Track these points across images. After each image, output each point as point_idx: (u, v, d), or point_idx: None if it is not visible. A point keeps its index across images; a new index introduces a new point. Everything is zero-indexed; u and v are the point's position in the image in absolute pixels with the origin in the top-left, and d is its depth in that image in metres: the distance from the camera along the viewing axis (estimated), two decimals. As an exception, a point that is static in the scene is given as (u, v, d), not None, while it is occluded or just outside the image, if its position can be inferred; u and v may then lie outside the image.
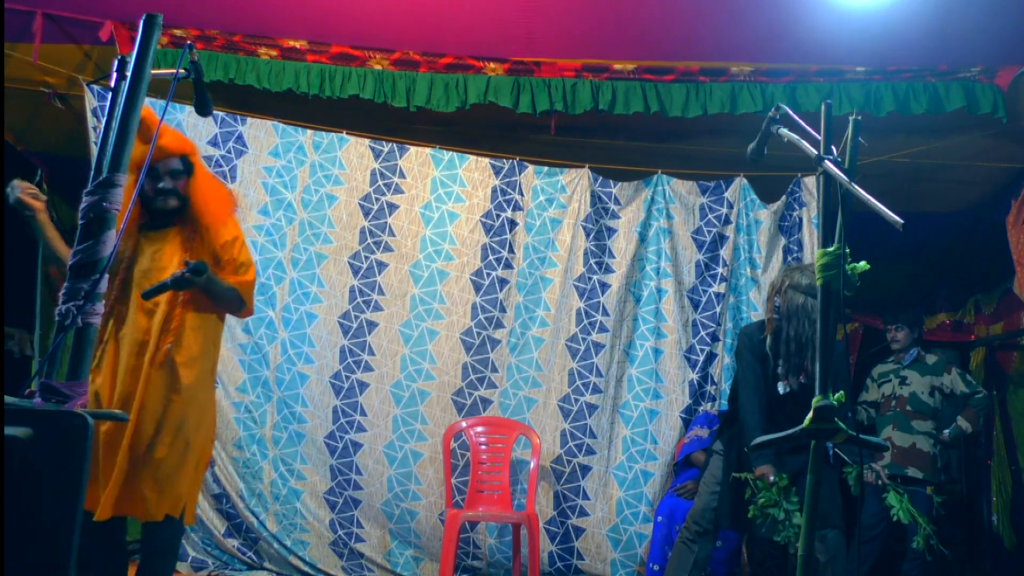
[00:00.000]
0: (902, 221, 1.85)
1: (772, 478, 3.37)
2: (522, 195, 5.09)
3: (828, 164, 2.07)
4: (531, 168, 5.11)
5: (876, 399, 5.27)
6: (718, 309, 5.05)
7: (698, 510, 3.62)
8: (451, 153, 5.05)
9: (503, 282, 5.01)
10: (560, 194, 5.11)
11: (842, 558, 3.40)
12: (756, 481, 3.41)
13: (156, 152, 2.91)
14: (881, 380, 5.27)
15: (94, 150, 3.95)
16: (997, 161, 5.15)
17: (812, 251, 5.01)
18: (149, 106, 2.67)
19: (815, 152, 2.11)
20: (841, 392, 2.02)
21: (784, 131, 2.30)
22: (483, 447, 4.79)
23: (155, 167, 2.95)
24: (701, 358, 5.00)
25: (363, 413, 4.80)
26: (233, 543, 4.63)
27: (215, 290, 2.96)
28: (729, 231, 5.13)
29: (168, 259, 2.97)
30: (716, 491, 3.59)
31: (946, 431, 4.96)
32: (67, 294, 1.88)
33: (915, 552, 4.57)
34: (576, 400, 4.95)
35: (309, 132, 4.95)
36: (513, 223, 5.05)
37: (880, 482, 4.74)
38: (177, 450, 2.89)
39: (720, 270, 5.11)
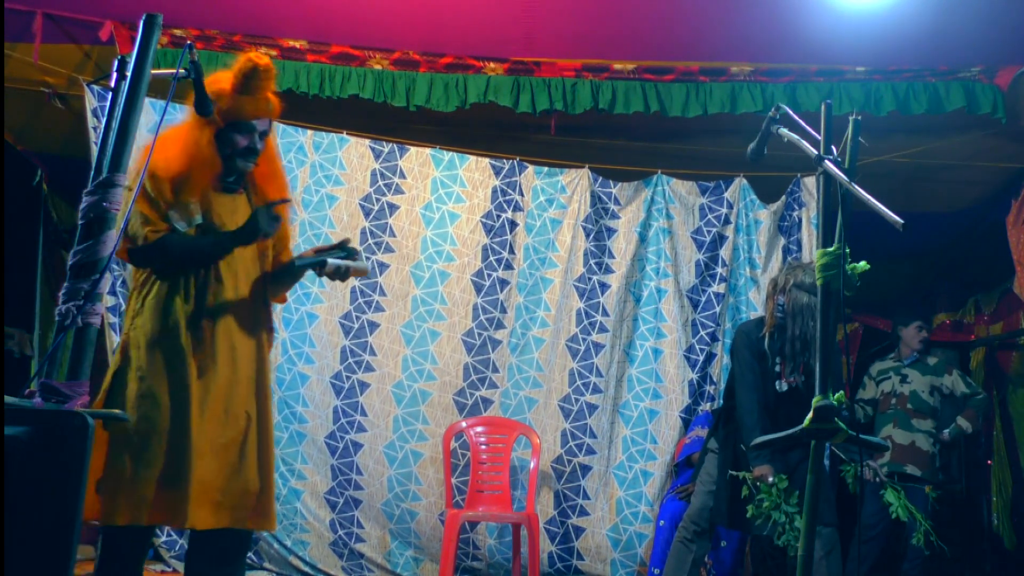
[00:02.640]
0: (902, 221, 1.85)
1: (771, 479, 3.37)
2: (522, 195, 5.09)
3: (828, 164, 2.07)
4: (531, 168, 5.11)
5: (874, 396, 5.27)
6: (717, 309, 5.06)
7: (695, 509, 3.62)
8: (451, 153, 5.05)
9: (504, 283, 5.01)
10: (560, 194, 5.11)
11: (837, 555, 3.40)
12: (755, 482, 3.41)
13: (263, 108, 2.57)
14: (880, 377, 5.26)
15: (94, 150, 3.95)
16: (997, 161, 5.15)
17: (811, 251, 5.02)
18: (267, 59, 2.52)
19: (815, 152, 2.11)
20: (841, 392, 2.02)
21: (784, 131, 2.30)
22: (483, 447, 4.79)
23: (251, 123, 2.58)
24: (700, 358, 5.01)
25: (364, 413, 4.80)
26: (233, 543, 4.62)
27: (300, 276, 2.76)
28: (729, 231, 5.13)
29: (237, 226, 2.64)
30: (712, 490, 3.58)
31: (946, 431, 4.96)
32: (67, 294, 1.88)
33: (915, 549, 4.57)
34: (576, 400, 4.95)
35: (309, 132, 4.95)
36: (513, 224, 5.06)
37: (878, 479, 4.74)
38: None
39: (720, 270, 5.11)
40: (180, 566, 4.48)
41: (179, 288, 2.51)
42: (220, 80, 2.54)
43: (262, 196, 2.67)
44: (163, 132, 2.55)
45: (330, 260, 2.61)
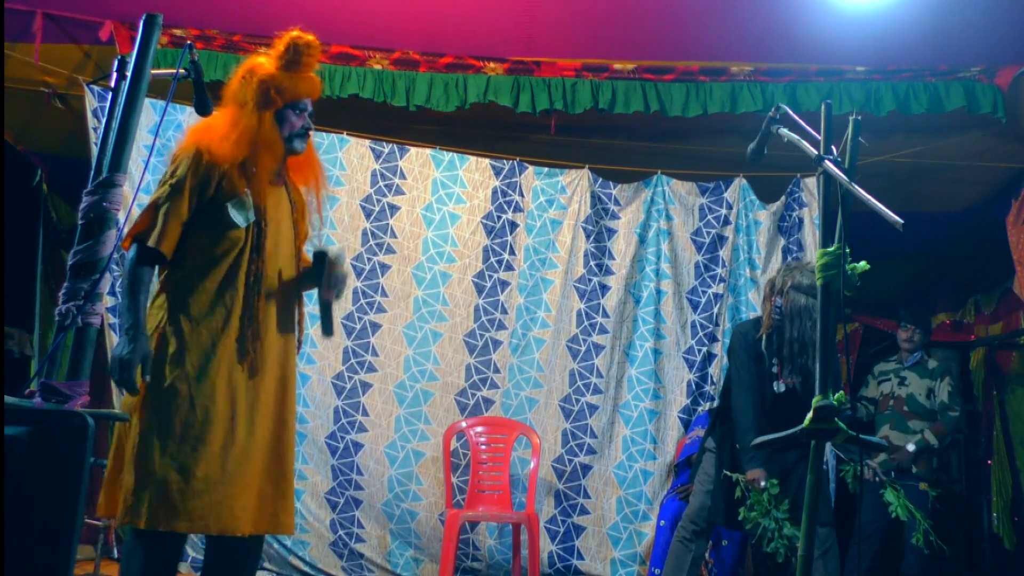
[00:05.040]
0: (902, 221, 1.85)
1: (763, 483, 3.37)
2: (522, 196, 5.09)
3: (828, 164, 2.07)
4: (531, 169, 5.11)
5: (875, 396, 5.27)
6: (716, 310, 5.06)
7: (694, 509, 3.62)
8: (451, 154, 5.05)
9: (504, 284, 5.01)
10: (560, 195, 5.12)
11: (834, 555, 3.40)
12: (746, 485, 3.41)
13: (315, 86, 2.49)
14: (881, 378, 5.27)
15: (94, 151, 3.94)
16: (997, 161, 5.14)
17: (814, 251, 5.01)
18: (310, 38, 2.42)
19: (815, 152, 2.11)
20: (841, 392, 2.02)
21: (784, 131, 2.30)
22: (483, 447, 4.79)
23: (304, 102, 2.47)
24: (699, 358, 5.01)
25: (365, 413, 4.80)
26: (233, 543, 4.62)
27: None
28: (728, 232, 5.13)
29: (282, 222, 2.50)
30: (710, 489, 3.58)
31: (911, 444, 4.88)
32: (67, 294, 1.89)
33: (914, 548, 4.57)
34: (577, 400, 4.95)
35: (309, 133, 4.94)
36: (514, 224, 5.06)
37: (877, 478, 4.73)
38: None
39: (719, 271, 5.11)
40: (180, 566, 4.48)
41: (231, 283, 2.35)
42: (262, 65, 2.45)
43: (298, 185, 2.56)
44: (198, 122, 2.45)
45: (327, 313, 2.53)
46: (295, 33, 2.45)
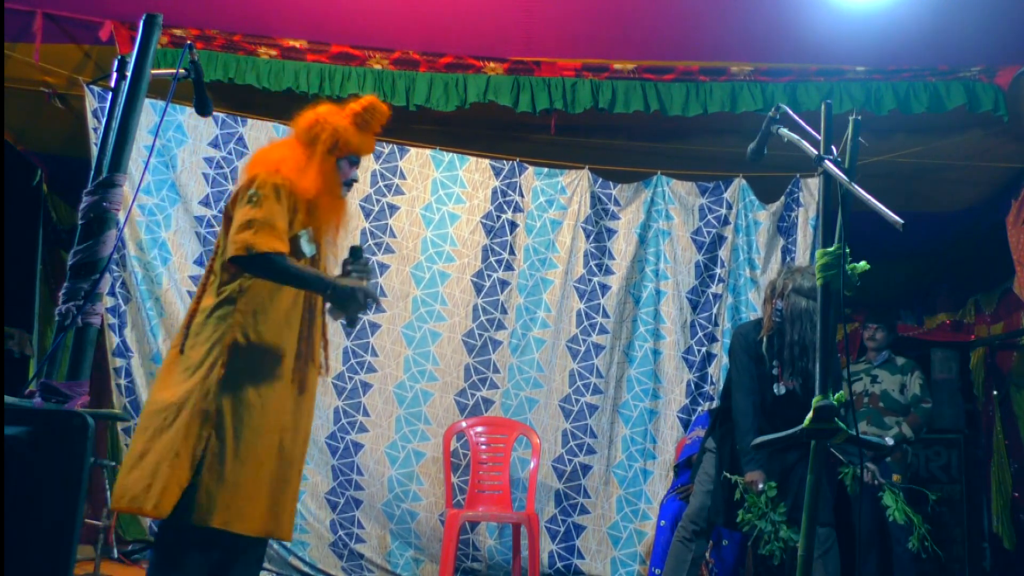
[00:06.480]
0: (902, 221, 1.85)
1: (761, 486, 3.37)
2: (522, 196, 5.09)
3: (828, 164, 2.07)
4: (531, 169, 5.11)
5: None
6: (715, 310, 5.06)
7: (694, 509, 3.62)
8: (451, 154, 5.05)
9: (504, 284, 5.01)
10: (560, 195, 5.12)
11: (834, 555, 3.40)
12: (745, 487, 3.40)
13: (370, 146, 2.74)
14: (852, 379, 5.30)
15: (94, 151, 3.95)
16: (997, 161, 5.14)
17: (805, 252, 5.03)
18: (385, 107, 2.65)
19: (815, 152, 2.11)
20: (841, 392, 2.02)
21: (784, 131, 2.30)
22: (483, 447, 4.80)
23: (359, 157, 2.71)
24: (698, 359, 5.02)
25: (366, 414, 4.80)
26: (233, 543, 4.63)
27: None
28: (728, 232, 5.14)
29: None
30: (710, 489, 3.59)
31: (889, 436, 4.95)
32: (67, 294, 1.89)
33: (907, 552, 4.57)
34: (577, 400, 4.95)
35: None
36: (514, 225, 5.06)
37: (876, 482, 4.74)
38: None
39: (719, 271, 5.11)
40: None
41: (294, 307, 2.52)
42: (337, 113, 2.64)
43: (322, 228, 2.69)
44: (269, 149, 2.65)
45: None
46: (374, 98, 2.70)
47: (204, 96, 2.51)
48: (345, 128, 2.62)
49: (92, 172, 2.00)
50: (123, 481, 2.32)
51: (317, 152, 2.57)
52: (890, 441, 4.92)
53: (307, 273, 2.45)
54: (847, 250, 2.02)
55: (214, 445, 2.32)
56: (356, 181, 2.73)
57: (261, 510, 2.38)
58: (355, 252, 2.68)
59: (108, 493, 4.84)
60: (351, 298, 2.40)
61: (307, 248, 2.53)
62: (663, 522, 4.43)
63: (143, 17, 2.03)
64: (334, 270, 2.74)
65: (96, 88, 4.57)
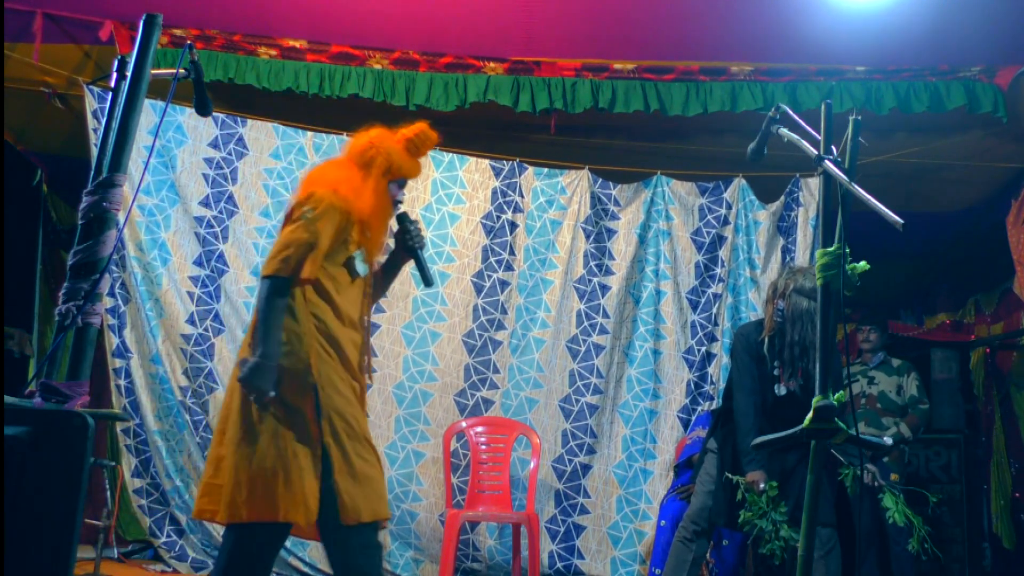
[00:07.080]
0: (902, 221, 1.85)
1: (762, 486, 3.37)
2: (522, 197, 5.09)
3: (828, 164, 2.06)
4: (531, 170, 5.11)
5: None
6: (715, 310, 5.06)
7: (695, 509, 3.62)
8: (451, 155, 5.05)
9: (504, 284, 5.01)
10: (560, 195, 5.12)
11: (836, 555, 3.40)
12: (746, 487, 3.40)
13: (418, 171, 2.87)
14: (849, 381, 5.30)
15: (94, 151, 3.94)
16: (997, 161, 5.15)
17: (804, 252, 5.03)
18: (435, 134, 2.81)
19: (815, 152, 2.11)
20: (841, 392, 2.02)
21: (784, 131, 2.30)
22: (483, 447, 4.79)
23: (407, 181, 2.83)
24: (698, 358, 5.02)
25: (366, 414, 4.79)
26: (233, 543, 4.62)
27: None
28: (728, 232, 5.14)
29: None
30: (711, 489, 3.58)
31: (887, 436, 4.97)
32: (67, 294, 1.88)
33: (908, 553, 4.58)
34: (577, 400, 4.95)
35: (310, 134, 4.95)
36: (514, 225, 5.06)
37: (876, 483, 4.74)
38: None
39: (719, 271, 5.11)
40: (180, 566, 4.49)
41: (355, 322, 2.66)
42: (390, 138, 2.78)
43: (375, 249, 2.79)
44: (324, 168, 2.77)
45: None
46: (424, 125, 2.86)
47: (204, 96, 2.50)
48: (398, 152, 2.75)
49: (92, 172, 2.00)
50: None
51: (372, 175, 2.68)
52: (889, 441, 4.93)
53: (269, 327, 2.45)
54: (847, 250, 2.02)
55: (293, 449, 2.47)
56: (402, 203, 2.82)
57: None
58: (402, 219, 2.78)
59: (108, 493, 4.84)
60: (256, 379, 2.42)
61: (360, 268, 2.64)
62: (663, 522, 4.43)
63: (143, 17, 2.03)
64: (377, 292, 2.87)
65: (96, 88, 4.57)
